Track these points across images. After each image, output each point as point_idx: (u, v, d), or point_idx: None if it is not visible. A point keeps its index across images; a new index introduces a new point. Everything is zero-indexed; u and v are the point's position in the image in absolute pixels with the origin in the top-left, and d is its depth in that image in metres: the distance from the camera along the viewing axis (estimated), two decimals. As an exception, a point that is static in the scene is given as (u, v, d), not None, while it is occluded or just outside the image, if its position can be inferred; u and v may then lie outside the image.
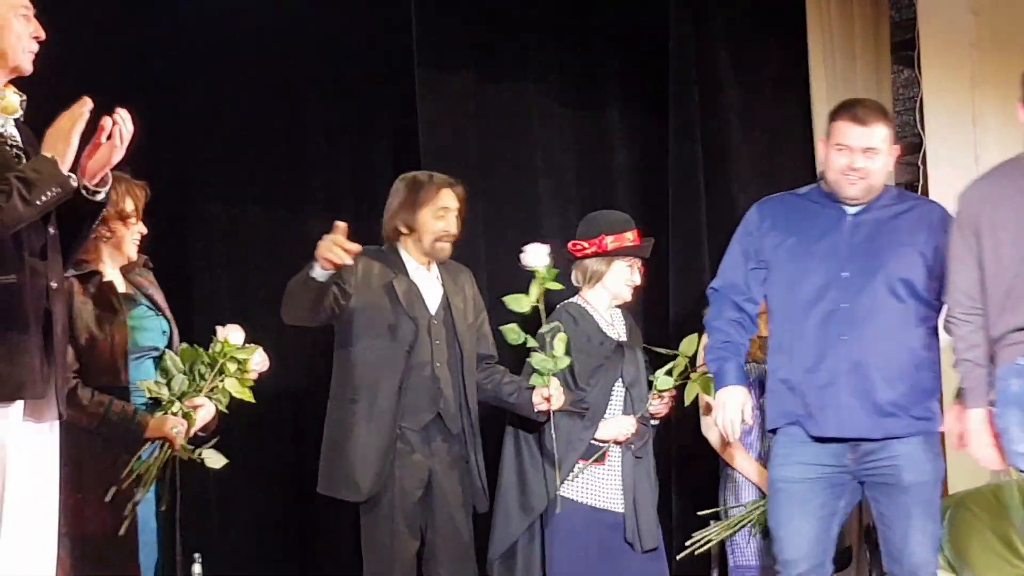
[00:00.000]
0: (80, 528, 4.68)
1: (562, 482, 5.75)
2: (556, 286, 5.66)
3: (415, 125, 6.82)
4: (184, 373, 5.04)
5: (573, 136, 7.13)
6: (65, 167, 3.89)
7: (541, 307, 5.62)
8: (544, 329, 5.67)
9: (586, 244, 6.02)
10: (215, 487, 6.44)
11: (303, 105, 7.05)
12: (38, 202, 3.83)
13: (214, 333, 5.14)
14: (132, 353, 4.96)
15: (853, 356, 4.90)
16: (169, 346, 5.13)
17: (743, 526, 5.91)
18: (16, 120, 4.07)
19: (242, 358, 5.10)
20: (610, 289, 5.99)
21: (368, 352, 5.63)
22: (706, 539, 5.92)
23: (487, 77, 6.99)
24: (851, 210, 5.05)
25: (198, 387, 5.03)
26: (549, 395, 5.69)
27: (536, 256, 5.62)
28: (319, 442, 5.73)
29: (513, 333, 5.67)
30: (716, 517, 6.00)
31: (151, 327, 5.06)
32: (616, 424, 5.85)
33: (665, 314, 6.73)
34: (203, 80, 6.79)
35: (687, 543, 5.94)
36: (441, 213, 5.76)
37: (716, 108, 7.10)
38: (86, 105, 3.93)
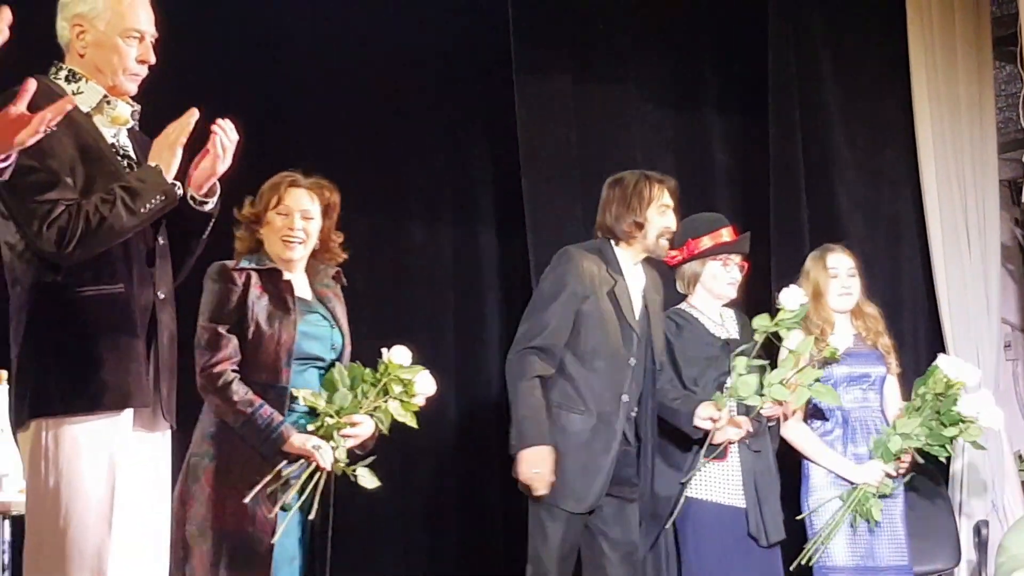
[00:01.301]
0: (220, 524, 4.66)
1: (684, 484, 5.76)
2: (785, 335, 5.72)
3: (514, 130, 6.83)
4: (348, 388, 4.89)
5: (672, 138, 7.12)
6: (169, 176, 3.91)
7: (759, 339, 5.67)
8: (744, 361, 5.67)
9: (677, 251, 6.02)
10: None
11: (401, 112, 7.09)
12: (142, 211, 3.85)
13: (379, 354, 4.97)
14: (297, 358, 4.83)
15: None
16: (336, 361, 4.97)
17: (837, 527, 5.88)
18: (129, 130, 4.13)
19: (407, 379, 4.94)
20: (710, 290, 5.97)
21: (598, 362, 5.60)
22: (815, 547, 5.89)
23: (584, 80, 6.99)
24: None
25: (359, 404, 4.88)
26: (717, 417, 5.68)
27: (791, 299, 5.68)
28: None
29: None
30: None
31: (322, 336, 4.92)
32: (730, 427, 5.81)
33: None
34: (302, 89, 6.84)
35: (803, 558, 5.90)
36: (663, 209, 5.76)
37: (816, 107, 7.06)
38: (193, 115, 3.95)
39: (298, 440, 4.75)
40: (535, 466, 5.46)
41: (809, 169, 6.98)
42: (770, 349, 5.81)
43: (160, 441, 4.11)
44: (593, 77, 7.00)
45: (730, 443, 5.79)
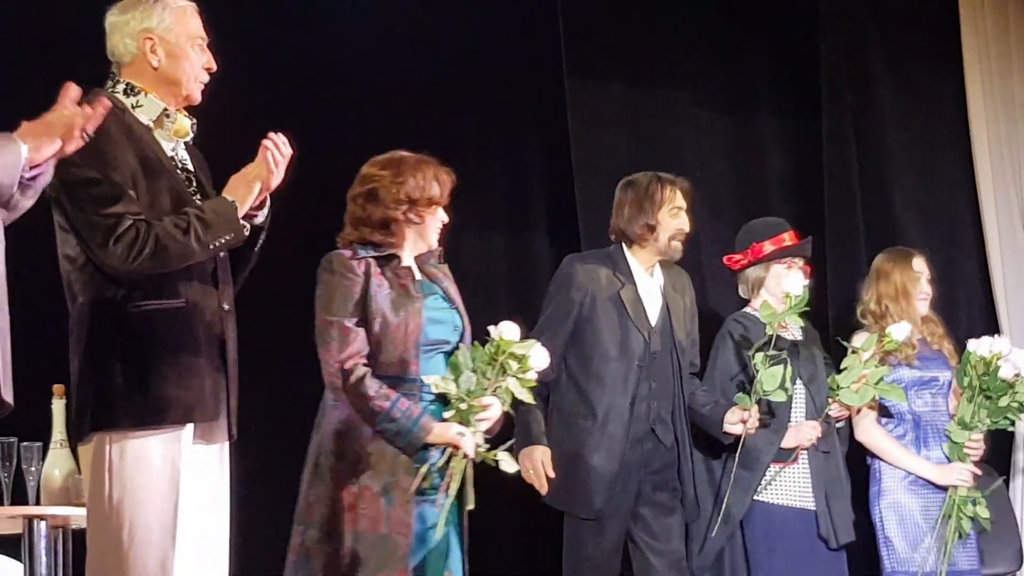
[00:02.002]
0: (353, 526, 4.40)
1: (762, 487, 5.74)
2: (798, 321, 5.72)
3: (566, 136, 6.83)
4: (473, 371, 4.62)
5: (725, 142, 7.10)
6: (242, 213, 3.96)
7: (774, 331, 5.65)
8: (761, 356, 5.65)
9: (740, 255, 6.02)
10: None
11: (452, 121, 7.09)
12: (211, 246, 3.90)
13: (486, 333, 4.73)
14: (423, 346, 4.60)
15: None
16: (459, 343, 4.72)
17: (952, 540, 5.85)
18: (187, 143, 4.15)
19: (521, 354, 4.66)
20: (775, 294, 5.95)
21: (602, 367, 5.62)
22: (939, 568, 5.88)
23: (637, 85, 6.98)
24: None
25: (484, 386, 4.62)
26: (747, 418, 5.67)
27: (794, 283, 5.68)
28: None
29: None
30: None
31: (445, 319, 4.68)
32: (801, 432, 5.79)
33: (824, 319, 6.65)
34: (353, 97, 6.85)
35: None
36: (676, 211, 5.76)
37: (870, 109, 7.02)
38: (280, 164, 3.99)
39: (440, 429, 4.51)
40: (527, 468, 5.48)
41: (863, 172, 6.94)
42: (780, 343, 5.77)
43: (220, 453, 4.13)
44: (646, 82, 6.98)
45: (802, 448, 5.77)
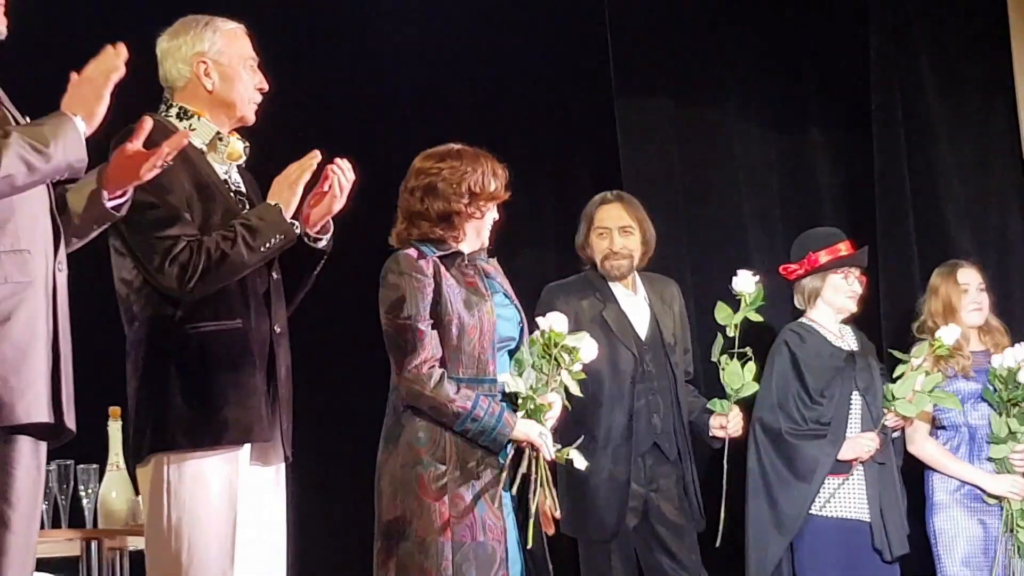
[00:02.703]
0: (451, 536, 4.28)
1: (822, 504, 5.72)
2: (756, 317, 5.60)
3: (616, 153, 6.83)
4: (533, 366, 4.52)
5: (775, 156, 7.07)
6: (288, 214, 3.96)
7: (736, 332, 5.57)
8: (724, 357, 5.61)
9: (796, 265, 6.01)
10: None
11: (502, 141, 7.07)
12: (262, 249, 3.90)
13: (535, 326, 4.63)
14: (496, 344, 4.48)
15: None
16: (520, 339, 4.61)
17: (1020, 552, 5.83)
18: (239, 166, 4.17)
19: (572, 346, 4.54)
20: (831, 304, 5.95)
21: (595, 390, 5.58)
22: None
23: (686, 101, 6.97)
24: None
25: (543, 381, 4.50)
26: (725, 424, 5.65)
27: (744, 282, 5.58)
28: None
29: (717, 348, 5.63)
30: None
31: (510, 316, 4.56)
32: (858, 444, 5.78)
33: (878, 331, 6.62)
34: (404, 117, 6.87)
35: None
36: (602, 232, 5.81)
37: (920, 122, 6.98)
38: (315, 158, 4.00)
39: (523, 426, 4.39)
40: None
41: (915, 184, 6.90)
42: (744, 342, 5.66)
43: (276, 474, 4.14)
44: (694, 98, 6.97)
45: (859, 460, 5.75)
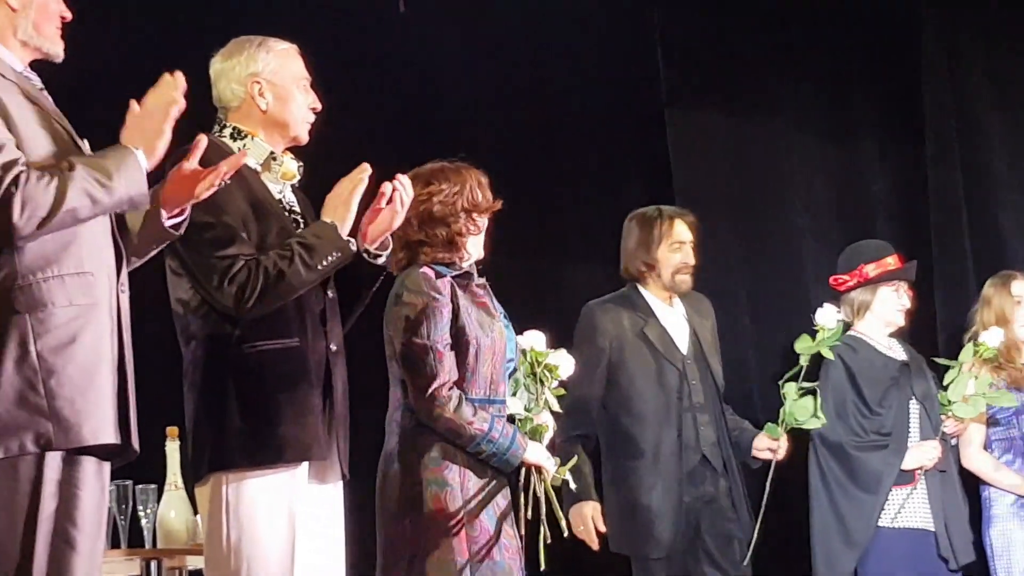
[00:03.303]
0: (468, 556, 4.23)
1: (893, 516, 5.70)
2: (828, 354, 5.65)
3: (667, 166, 6.82)
4: (526, 387, 4.53)
5: (828, 168, 7.05)
6: (344, 232, 3.96)
7: (804, 363, 5.58)
8: (793, 387, 5.61)
9: (847, 277, 5.99)
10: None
11: (554, 154, 7.10)
12: (319, 267, 3.90)
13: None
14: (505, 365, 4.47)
15: None
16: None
17: None
18: (293, 186, 4.18)
19: (554, 364, 4.54)
20: (881, 317, 5.94)
21: (642, 405, 5.62)
22: None
23: (737, 113, 6.96)
24: None
25: (539, 402, 4.50)
26: (776, 447, 5.66)
27: (827, 317, 5.62)
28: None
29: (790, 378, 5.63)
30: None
31: (512, 336, 4.53)
32: (922, 452, 5.76)
33: (933, 343, 6.59)
34: (455, 134, 6.88)
35: None
36: (677, 246, 5.76)
37: (974, 131, 6.94)
38: (365, 171, 4.00)
39: (534, 448, 4.39)
40: (578, 525, 5.51)
41: (969, 194, 6.86)
42: (814, 374, 5.71)
43: (333, 492, 4.14)
44: (746, 110, 6.96)
45: (923, 469, 5.73)
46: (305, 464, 3.96)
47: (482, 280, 4.54)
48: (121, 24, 6.27)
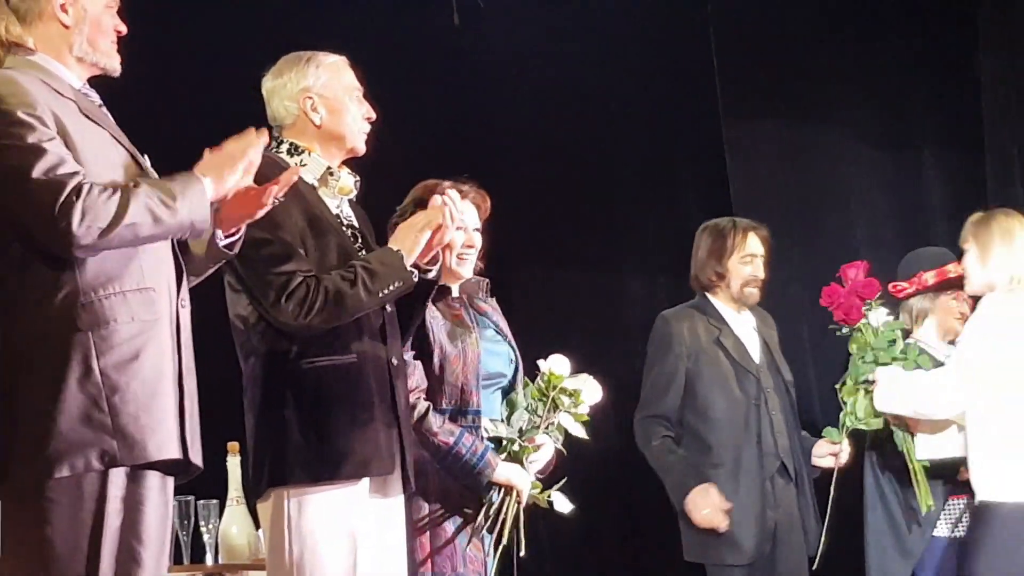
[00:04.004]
0: (434, 567, 4.42)
1: (953, 526, 5.65)
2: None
3: (724, 175, 6.81)
4: (526, 409, 4.61)
5: (886, 177, 7.02)
6: (409, 262, 3.97)
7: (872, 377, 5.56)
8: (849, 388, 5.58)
9: (906, 284, 5.95)
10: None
11: (612, 166, 7.10)
12: (380, 294, 3.91)
13: (536, 368, 4.75)
14: (482, 378, 4.57)
15: None
16: (514, 378, 4.73)
17: None
18: (350, 200, 4.19)
19: (573, 389, 4.65)
20: (940, 324, 5.89)
21: (720, 413, 5.64)
22: None
23: (794, 122, 6.95)
24: None
25: (535, 424, 4.60)
26: (838, 451, 5.63)
27: (881, 319, 5.64)
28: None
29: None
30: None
31: (500, 352, 4.68)
32: None
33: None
34: (513, 145, 6.90)
35: None
36: (748, 259, 5.75)
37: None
38: (442, 207, 4.01)
39: (504, 470, 4.49)
40: (702, 508, 5.51)
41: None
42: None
43: (395, 506, 4.14)
44: (803, 120, 6.94)
45: None
46: (366, 479, 3.96)
47: (489, 300, 4.74)
48: (178, 42, 6.31)
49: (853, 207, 6.92)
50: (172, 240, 3.43)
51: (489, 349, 4.61)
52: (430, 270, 4.13)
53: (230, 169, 3.37)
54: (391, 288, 3.93)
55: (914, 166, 7.04)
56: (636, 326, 6.68)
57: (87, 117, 3.38)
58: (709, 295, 5.81)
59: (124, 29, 3.53)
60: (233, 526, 5.04)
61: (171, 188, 3.28)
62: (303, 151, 4.10)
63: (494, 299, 4.81)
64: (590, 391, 4.67)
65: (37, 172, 3.18)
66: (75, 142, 3.29)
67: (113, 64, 3.51)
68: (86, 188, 3.18)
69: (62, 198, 3.16)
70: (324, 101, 4.10)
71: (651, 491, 5.84)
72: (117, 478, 3.24)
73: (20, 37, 3.43)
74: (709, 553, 5.61)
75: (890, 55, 6.97)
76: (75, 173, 3.20)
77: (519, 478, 4.52)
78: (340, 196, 4.12)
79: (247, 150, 3.39)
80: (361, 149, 4.16)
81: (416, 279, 4.01)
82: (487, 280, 4.82)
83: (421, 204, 4.43)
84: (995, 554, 5.23)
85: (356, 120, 4.14)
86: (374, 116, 4.17)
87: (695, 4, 6.98)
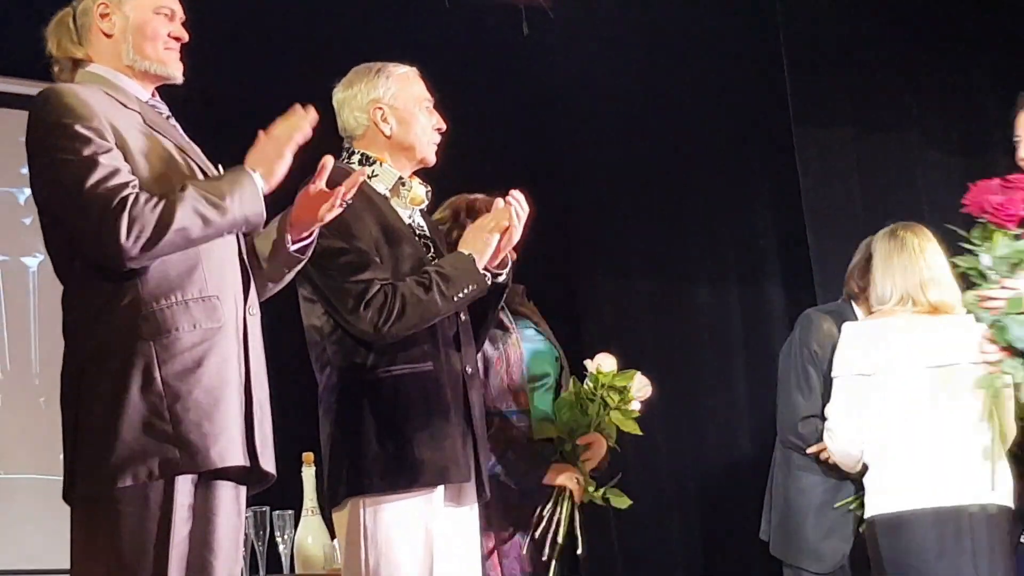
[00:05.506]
0: (499, 571, 4.51)
1: None
2: None
3: (796, 184, 6.78)
4: (574, 408, 4.65)
5: (960, 184, 6.92)
6: (481, 265, 3.99)
7: None
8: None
9: (982, 291, 5.90)
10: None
11: (682, 173, 7.09)
12: (455, 298, 3.93)
13: (584, 369, 4.80)
14: (528, 378, 4.67)
15: None
16: (560, 377, 4.83)
17: None
18: (421, 210, 4.21)
19: (621, 386, 4.69)
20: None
21: None
22: None
23: (866, 130, 6.91)
24: None
25: (585, 423, 4.65)
26: None
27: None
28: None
29: None
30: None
31: (544, 350, 4.75)
32: None
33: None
34: (583, 153, 6.90)
35: None
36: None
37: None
38: (509, 207, 4.02)
39: (555, 470, 4.56)
40: None
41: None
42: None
43: (469, 514, 4.14)
44: (874, 126, 6.90)
45: None
46: (442, 487, 3.97)
47: (528, 304, 4.79)
48: (253, 54, 6.37)
49: (926, 214, 6.86)
50: (239, 248, 3.45)
51: (531, 348, 4.65)
52: (500, 273, 4.14)
53: (278, 158, 3.37)
54: (466, 291, 3.95)
55: (986, 171, 6.96)
56: (706, 334, 6.68)
57: (152, 128, 3.40)
58: (854, 303, 5.77)
59: (185, 36, 3.54)
60: (308, 536, 5.05)
61: (219, 187, 3.30)
62: (374, 161, 4.11)
63: (532, 303, 4.85)
64: (639, 387, 4.70)
65: (89, 185, 3.20)
66: (134, 154, 3.31)
67: (168, 71, 3.51)
68: (132, 199, 3.20)
69: (110, 211, 3.18)
70: (394, 112, 4.12)
71: (726, 499, 5.82)
72: (184, 487, 3.25)
73: (70, 52, 3.46)
74: (791, 554, 5.55)
75: (962, 63, 6.92)
76: (126, 184, 3.22)
77: (570, 480, 4.55)
78: (412, 206, 4.13)
79: (293, 133, 3.39)
80: (431, 160, 4.18)
81: (489, 281, 4.02)
82: (523, 286, 4.84)
83: (460, 215, 4.53)
84: None
85: (426, 131, 4.15)
86: (444, 127, 4.19)
87: (766, 13, 6.96)
